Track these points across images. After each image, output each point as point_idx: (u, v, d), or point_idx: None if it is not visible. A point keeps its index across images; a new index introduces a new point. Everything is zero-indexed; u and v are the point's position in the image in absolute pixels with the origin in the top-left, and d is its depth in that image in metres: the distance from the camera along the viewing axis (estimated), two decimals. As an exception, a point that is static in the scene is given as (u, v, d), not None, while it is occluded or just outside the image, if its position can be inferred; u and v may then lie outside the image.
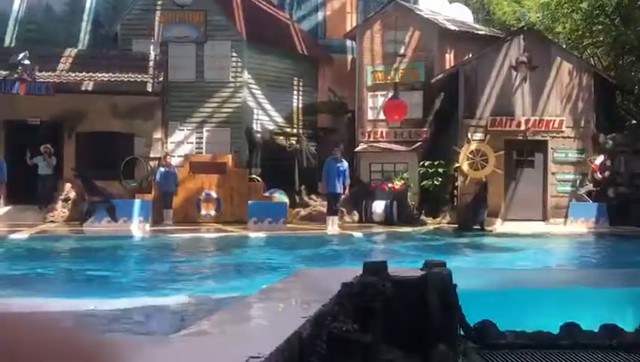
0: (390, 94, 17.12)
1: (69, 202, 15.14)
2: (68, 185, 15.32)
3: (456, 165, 16.29)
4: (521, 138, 16.27)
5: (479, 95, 16.31)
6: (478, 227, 14.75)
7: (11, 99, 15.32)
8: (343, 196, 14.26)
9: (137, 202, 14.55)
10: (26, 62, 15.17)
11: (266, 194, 16.07)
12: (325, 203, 14.80)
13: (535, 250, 11.48)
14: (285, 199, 15.97)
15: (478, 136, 16.22)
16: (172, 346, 1.94)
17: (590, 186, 16.04)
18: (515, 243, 12.16)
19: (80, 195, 14.88)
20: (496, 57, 16.36)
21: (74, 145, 16.25)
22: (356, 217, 16.47)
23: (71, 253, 10.58)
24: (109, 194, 14.26)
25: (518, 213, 15.98)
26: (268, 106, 18.34)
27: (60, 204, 15.10)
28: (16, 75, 15.09)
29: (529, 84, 16.18)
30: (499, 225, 15.41)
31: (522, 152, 16.48)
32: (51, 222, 14.59)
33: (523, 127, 16.23)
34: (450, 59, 17.84)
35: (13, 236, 11.73)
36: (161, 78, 16.45)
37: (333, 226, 13.66)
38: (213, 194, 15.83)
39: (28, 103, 15.35)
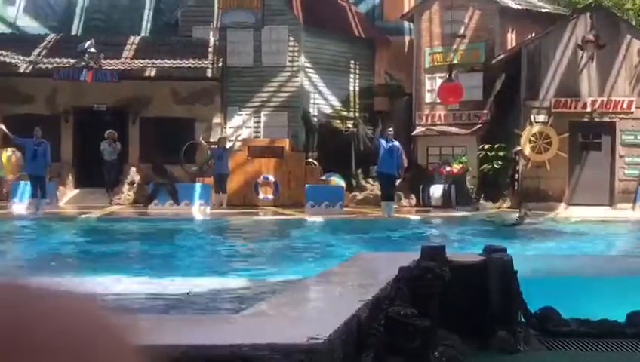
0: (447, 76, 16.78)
1: (134, 185, 15.71)
2: (133, 169, 15.89)
3: (518, 148, 15.86)
4: (587, 120, 15.66)
5: (543, 75, 15.77)
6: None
7: (79, 86, 15.97)
8: (397, 179, 13.18)
9: (198, 186, 14.94)
10: (92, 50, 15.74)
11: (323, 177, 16.15)
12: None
13: (600, 235, 11.07)
14: (342, 183, 16.00)
15: (541, 118, 15.71)
16: (233, 325, 2.01)
17: (661, 170, 15.28)
18: (579, 228, 11.76)
19: (144, 179, 15.38)
20: (561, 36, 15.74)
21: (138, 130, 16.81)
22: (413, 201, 16.34)
23: (137, 234, 11.00)
24: (174, 178, 14.66)
25: (583, 197, 15.44)
26: (324, 90, 18.35)
27: (125, 187, 15.68)
28: (83, 63, 15.70)
29: (596, 64, 15.49)
30: (562, 210, 14.94)
31: (588, 135, 15.86)
32: (118, 204, 15.19)
33: (589, 109, 15.60)
34: (512, 38, 17.29)
35: (83, 217, 12.30)
36: (220, 64, 16.73)
37: (389, 212, 13.11)
38: (271, 178, 16.03)
39: (95, 90, 15.96)
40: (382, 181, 13.41)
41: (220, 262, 7.48)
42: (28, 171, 13.14)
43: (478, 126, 16.85)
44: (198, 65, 16.46)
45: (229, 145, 15.75)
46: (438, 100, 17.24)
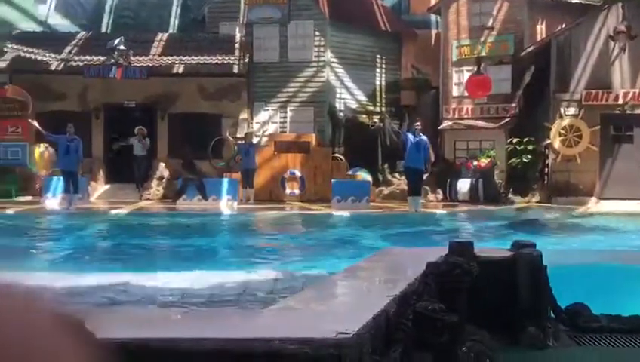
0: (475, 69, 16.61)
1: (163, 181, 15.92)
2: (162, 165, 16.10)
3: (548, 142, 15.63)
4: (619, 112, 15.34)
5: (573, 67, 15.50)
6: None
7: (109, 83, 16.25)
8: (424, 173, 13.13)
9: (226, 181, 15.08)
10: (122, 47, 15.98)
11: (350, 172, 16.16)
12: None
13: (632, 230, 10.85)
14: (368, 178, 15.98)
15: (572, 110, 15.45)
16: (262, 319, 2.04)
17: (697, 163, 14.89)
18: (610, 223, 11.55)
19: (173, 174, 15.59)
20: (592, 27, 15.43)
21: (166, 126, 17.03)
22: (440, 196, 16.23)
23: (166, 228, 11.17)
24: (202, 174, 14.83)
25: (614, 191, 15.14)
26: (350, 85, 18.32)
27: (154, 182, 15.91)
28: (113, 60, 15.95)
29: (628, 55, 15.16)
30: (593, 204, 14.69)
31: (620, 127, 15.55)
32: (147, 199, 15.42)
33: (621, 101, 15.29)
34: (541, 30, 17.01)
35: (113, 212, 12.53)
36: (246, 60, 16.83)
37: (416, 207, 13.00)
38: (297, 173, 16.09)
39: (124, 87, 16.21)
40: (409, 176, 13.31)
41: (247, 257, 7.56)
42: (61, 167, 13.44)
43: (506, 119, 16.64)
44: (225, 62, 16.59)
45: (255, 140, 15.84)
46: (466, 94, 17.09)
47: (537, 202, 15.35)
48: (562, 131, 15.40)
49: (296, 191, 16.00)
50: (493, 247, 3.53)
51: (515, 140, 15.97)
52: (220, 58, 16.60)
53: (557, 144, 15.44)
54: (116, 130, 16.50)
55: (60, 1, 19.85)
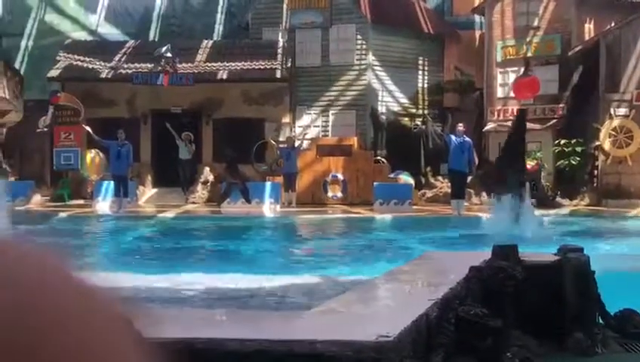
0: (522, 70, 16.27)
1: (208, 184, 16.19)
2: (207, 169, 16.39)
3: (597, 143, 15.18)
4: (673, 112, 14.78)
5: (623, 67, 15.02)
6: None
7: (156, 90, 16.66)
8: (468, 175, 13.04)
9: (268, 185, 15.22)
10: (168, 55, 16.36)
11: (392, 175, 16.07)
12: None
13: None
14: (411, 181, 15.86)
15: (622, 111, 14.98)
16: (305, 322, 2.06)
17: None
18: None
19: (218, 178, 15.82)
20: (643, 24, 14.93)
21: (211, 131, 17.32)
22: (484, 198, 15.95)
23: (210, 231, 11.36)
24: (245, 178, 14.99)
25: (669, 194, 14.59)
26: (392, 87, 18.24)
27: (200, 186, 16.20)
28: (160, 68, 16.34)
29: (683, 52, 14.60)
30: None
31: (674, 128, 14.97)
32: (193, 203, 15.71)
33: (675, 100, 14.73)
34: (589, 29, 16.56)
35: (161, 215, 12.83)
36: (289, 65, 16.97)
37: (459, 210, 12.91)
38: (340, 176, 16.10)
39: (170, 93, 16.59)
40: (452, 178, 13.20)
41: (289, 260, 7.61)
42: (112, 171, 13.84)
43: (553, 121, 16.25)
44: (268, 67, 16.77)
45: (297, 144, 15.94)
46: (511, 95, 16.78)
47: (587, 205, 14.92)
48: (612, 132, 14.95)
49: (339, 195, 16.01)
50: (538, 252, 3.47)
51: (562, 142, 15.59)
52: (263, 63, 16.80)
53: (607, 145, 14.99)
54: (163, 136, 16.88)
55: (109, 11, 20.48)
